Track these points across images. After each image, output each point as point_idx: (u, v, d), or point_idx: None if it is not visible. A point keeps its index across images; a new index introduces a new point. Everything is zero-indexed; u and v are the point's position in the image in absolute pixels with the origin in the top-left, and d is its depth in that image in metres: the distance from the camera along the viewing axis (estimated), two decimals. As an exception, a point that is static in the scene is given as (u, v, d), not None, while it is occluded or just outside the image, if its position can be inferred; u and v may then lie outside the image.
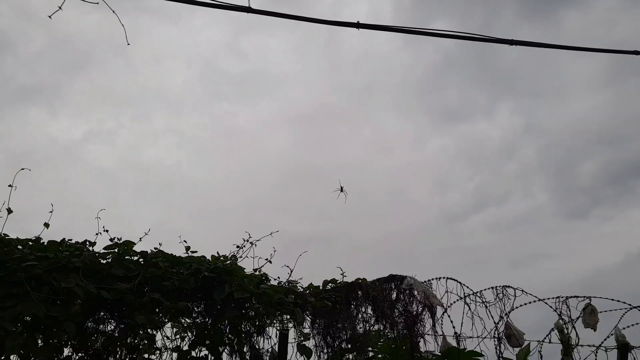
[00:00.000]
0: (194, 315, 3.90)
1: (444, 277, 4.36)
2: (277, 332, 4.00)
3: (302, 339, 4.03)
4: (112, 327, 3.66)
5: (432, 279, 4.39)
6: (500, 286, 4.35)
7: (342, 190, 4.71)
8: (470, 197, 13.62)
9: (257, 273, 4.19)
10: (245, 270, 4.06)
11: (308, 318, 4.19)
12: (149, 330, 3.66)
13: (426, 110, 13.98)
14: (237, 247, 4.18)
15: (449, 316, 4.26)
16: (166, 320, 3.78)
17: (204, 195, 12.33)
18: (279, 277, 4.21)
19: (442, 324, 4.29)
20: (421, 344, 4.12)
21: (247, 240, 4.18)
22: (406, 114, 13.97)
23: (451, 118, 13.96)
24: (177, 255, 3.87)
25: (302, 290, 4.25)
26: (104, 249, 3.68)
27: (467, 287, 4.31)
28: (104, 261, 3.65)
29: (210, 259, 4.06)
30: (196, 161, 12.99)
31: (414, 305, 4.19)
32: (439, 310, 4.26)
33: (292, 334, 4.06)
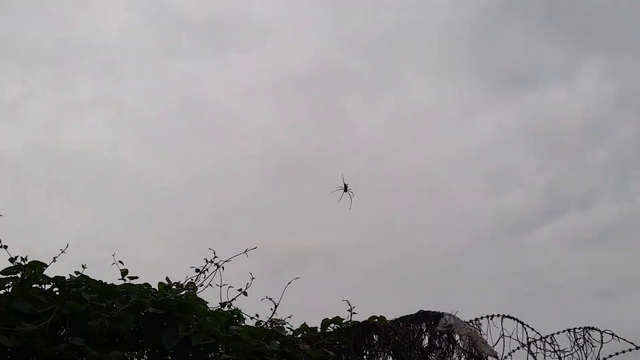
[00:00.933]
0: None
1: (498, 315, 4.35)
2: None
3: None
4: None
5: (482, 318, 4.38)
6: (580, 328, 4.33)
7: (346, 189, 4.68)
8: (539, 199, 13.62)
9: (226, 309, 4.19)
10: (208, 304, 4.04)
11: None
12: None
13: (476, 72, 13.99)
14: (197, 271, 4.18)
15: (505, 371, 4.24)
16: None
17: (153, 197, 12.37)
18: (257, 315, 4.20)
19: (495, 383, 4.28)
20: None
21: (212, 262, 4.17)
22: (446, 78, 13.97)
23: (512, 84, 13.97)
24: (109, 283, 3.83)
25: (291, 333, 4.23)
26: (1, 273, 3.62)
27: (533, 329, 4.30)
28: (1, 291, 3.59)
29: (157, 288, 4.05)
30: (140, 147, 13.03)
31: (454, 356, 4.18)
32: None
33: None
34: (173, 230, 11.51)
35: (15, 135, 11.95)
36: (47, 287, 3.72)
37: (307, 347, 4.00)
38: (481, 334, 4.29)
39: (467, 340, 4.13)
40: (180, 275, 4.29)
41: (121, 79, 13.20)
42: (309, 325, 4.34)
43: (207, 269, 4.18)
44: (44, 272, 3.71)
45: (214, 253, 4.17)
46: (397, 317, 4.44)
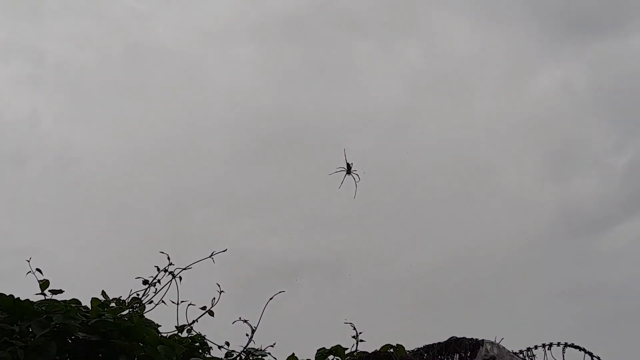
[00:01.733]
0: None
1: (559, 344, 4.36)
2: None
3: None
4: None
5: (536, 347, 4.39)
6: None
7: (349, 171, 4.63)
8: (617, 186, 13.58)
9: (184, 334, 4.19)
10: (160, 328, 4.06)
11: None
12: None
13: (533, 14, 13.91)
14: (146, 283, 4.18)
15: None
16: None
17: (85, 182, 12.35)
18: (227, 344, 4.20)
19: None
20: None
21: (165, 270, 4.18)
22: (493, 21, 13.89)
23: (582, 29, 13.88)
24: (24, 299, 3.85)
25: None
26: None
27: (605, 362, 4.31)
28: None
29: (90, 306, 4.06)
30: (69, 112, 13.00)
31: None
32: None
33: None
34: (112, 228, 11.52)
35: None
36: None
37: (295, 386, 4.02)
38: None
39: (515, 378, 4.15)
40: (122, 288, 4.30)
41: (43, 19, 13.16)
42: (300, 358, 4.33)
43: (158, 281, 4.17)
44: None
45: (168, 259, 4.16)
46: (421, 346, 4.46)
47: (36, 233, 10.86)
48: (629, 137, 13.78)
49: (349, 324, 4.43)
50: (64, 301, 3.93)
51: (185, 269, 4.12)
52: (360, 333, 4.43)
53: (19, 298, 3.83)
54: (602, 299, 11.75)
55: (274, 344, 4.25)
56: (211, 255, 4.11)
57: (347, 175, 4.83)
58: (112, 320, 3.81)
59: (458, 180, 13.16)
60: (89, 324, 3.78)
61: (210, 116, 12.72)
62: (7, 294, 3.81)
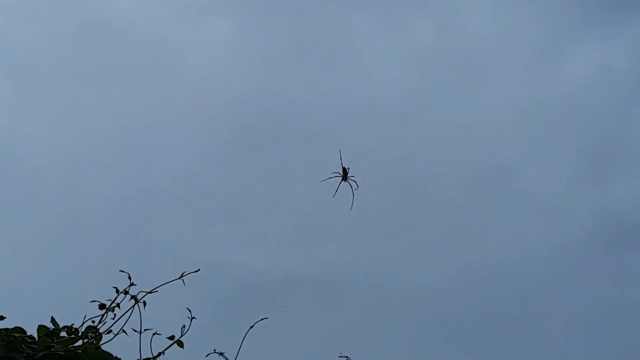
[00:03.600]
0: None
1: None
2: None
3: None
4: None
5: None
6: None
7: (345, 177, 4.66)
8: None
9: (148, 370, 4.23)
10: (120, 361, 4.11)
11: None
12: None
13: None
14: (103, 307, 4.20)
15: None
16: None
17: (27, 180, 12.37)
18: (200, 380, 4.24)
19: None
20: None
21: (126, 292, 4.20)
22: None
23: (623, 4, 13.98)
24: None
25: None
26: None
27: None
28: None
29: (37, 335, 4.09)
30: (13, 100, 13.03)
31: None
32: None
33: None
34: (61, 238, 11.54)
35: None
36: None
37: None
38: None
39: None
40: (75, 314, 4.32)
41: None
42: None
43: (118, 305, 4.19)
44: None
45: (129, 278, 4.19)
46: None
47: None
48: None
49: (345, 358, 4.47)
50: (6, 329, 3.95)
51: (150, 292, 4.14)
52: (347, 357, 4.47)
53: (-51, 325, 3.86)
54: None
55: (257, 379, 4.29)
56: (181, 276, 4.12)
57: (342, 182, 4.87)
58: (62, 353, 3.82)
59: (475, 182, 13.22)
60: (36, 358, 3.81)
61: (181, 105, 12.75)
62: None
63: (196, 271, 4.08)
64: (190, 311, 4.15)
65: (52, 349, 3.78)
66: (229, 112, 12.47)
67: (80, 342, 4.00)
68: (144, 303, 4.12)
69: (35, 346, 3.87)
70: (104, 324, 4.21)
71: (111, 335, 4.16)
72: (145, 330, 4.22)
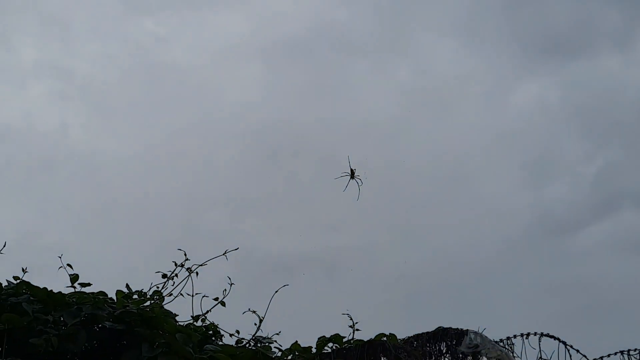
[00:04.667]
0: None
1: (535, 334, 4.36)
2: None
3: None
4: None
5: (515, 337, 4.38)
6: (636, 350, 4.34)
7: (352, 176, 4.65)
8: (587, 193, 13.64)
9: (199, 323, 4.22)
10: (177, 317, 4.10)
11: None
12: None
13: (511, 37, 13.95)
14: (165, 277, 4.20)
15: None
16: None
17: (109, 186, 12.36)
18: (238, 332, 4.24)
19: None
20: None
21: (182, 265, 4.19)
22: (474, 43, 13.94)
23: (556, 50, 13.94)
24: (56, 292, 3.87)
25: (279, 354, 4.27)
26: None
27: (578, 350, 4.30)
28: None
29: (115, 297, 4.08)
30: (94, 124, 13.02)
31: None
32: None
33: None
34: (132, 227, 11.51)
35: None
36: (-20, 296, 3.77)
37: (298, 370, 4.02)
38: (514, 357, 4.31)
39: (496, 364, 4.14)
40: (143, 282, 4.31)
41: (72, 40, 13.17)
42: (302, 345, 4.36)
43: (176, 275, 4.19)
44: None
45: (185, 255, 4.18)
46: (411, 335, 4.45)
47: (64, 232, 10.86)
48: (597, 149, 13.83)
49: (347, 315, 4.43)
50: (92, 294, 3.95)
51: (201, 265, 4.14)
52: (356, 323, 4.43)
53: (52, 290, 3.86)
54: (575, 293, 11.76)
55: (280, 332, 4.27)
56: (224, 253, 4.13)
57: (350, 180, 4.84)
58: (135, 310, 3.85)
59: (445, 187, 13.18)
60: (115, 314, 3.85)
61: (221, 128, 12.74)
62: (41, 287, 3.83)
63: (236, 249, 4.05)
64: (229, 278, 4.12)
65: (127, 308, 3.78)
66: (258, 133, 12.48)
67: (147, 303, 3.96)
68: (197, 273, 4.07)
69: (115, 306, 3.85)
70: (165, 289, 4.19)
71: (171, 297, 4.13)
72: (196, 294, 4.22)
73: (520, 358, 4.31)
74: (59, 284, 3.98)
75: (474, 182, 13.66)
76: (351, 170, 4.83)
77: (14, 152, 12.10)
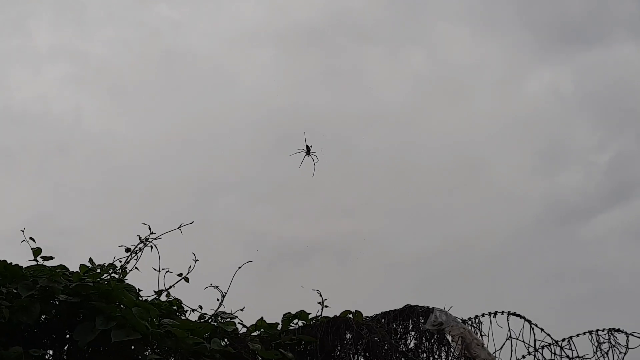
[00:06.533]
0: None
1: (503, 312, 4.32)
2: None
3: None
4: None
5: (483, 315, 4.35)
6: (604, 330, 4.29)
7: (308, 152, 4.59)
8: (599, 181, 13.40)
9: (163, 298, 4.18)
10: (141, 292, 4.07)
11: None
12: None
13: (525, 25, 13.73)
14: (127, 250, 4.16)
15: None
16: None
17: (123, 170, 12.38)
18: (200, 307, 4.20)
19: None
20: None
21: (146, 239, 4.16)
22: (488, 31, 13.75)
23: (570, 37, 13.70)
24: (14, 264, 3.84)
25: (243, 330, 4.23)
26: None
27: (542, 329, 4.27)
28: None
29: (78, 270, 4.05)
30: (109, 109, 13.04)
31: (447, 360, 4.15)
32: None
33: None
34: (144, 211, 11.51)
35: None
36: None
37: (258, 346, 3.96)
38: (480, 335, 4.24)
39: (459, 342, 4.08)
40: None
41: (87, 26, 13.21)
42: (268, 321, 4.31)
43: (140, 249, 4.15)
44: None
45: (149, 228, 4.15)
46: (378, 312, 4.41)
47: (78, 215, 10.92)
48: (611, 137, 13.61)
49: (316, 291, 4.38)
50: (50, 267, 3.92)
51: (156, 238, 4.11)
52: (325, 299, 4.38)
53: (10, 263, 3.82)
54: (585, 280, 11.59)
55: (243, 308, 4.22)
56: (179, 226, 4.09)
57: (305, 156, 4.79)
58: (91, 284, 3.79)
59: (456, 174, 13.03)
60: (71, 287, 3.77)
61: (234, 113, 12.69)
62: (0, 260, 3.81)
63: (190, 223, 4.01)
64: (194, 255, 4.08)
65: (83, 281, 3.72)
66: (271, 120, 12.41)
67: (106, 277, 3.92)
68: (152, 246, 4.06)
69: (72, 279, 3.81)
70: (128, 263, 4.13)
71: (130, 271, 4.09)
72: (164, 269, 4.16)
73: (488, 336, 4.27)
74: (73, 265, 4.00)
75: (487, 169, 13.51)
76: (307, 147, 4.78)
77: (29, 136, 12.17)
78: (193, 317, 4.21)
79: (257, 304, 4.56)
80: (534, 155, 13.63)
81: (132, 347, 3.78)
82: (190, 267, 4.16)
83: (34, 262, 3.97)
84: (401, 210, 12.45)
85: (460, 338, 4.06)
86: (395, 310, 4.36)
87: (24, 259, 3.90)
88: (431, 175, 12.98)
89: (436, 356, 4.14)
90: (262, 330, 4.30)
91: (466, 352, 4.04)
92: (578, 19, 13.48)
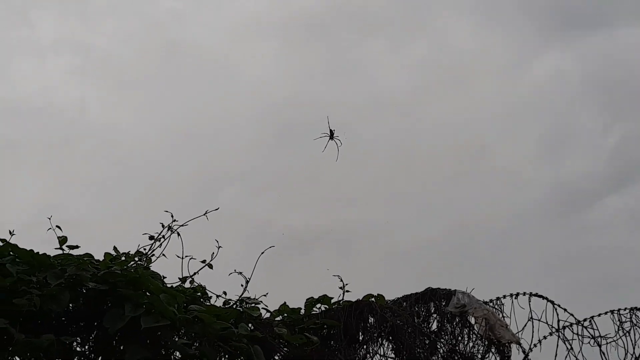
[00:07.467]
0: (74, 358, 3.91)
1: (524, 294, 4.33)
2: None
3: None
4: None
5: (505, 297, 4.36)
6: (626, 309, 4.30)
7: (332, 136, 4.60)
8: (604, 165, 13.43)
9: (187, 285, 4.20)
10: (165, 279, 4.09)
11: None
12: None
13: (527, 13, 13.72)
14: (151, 238, 4.17)
15: (533, 363, 4.22)
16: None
17: (129, 159, 12.38)
18: (225, 293, 4.22)
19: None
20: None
21: (169, 227, 4.16)
22: (491, 19, 13.74)
23: (575, 21, 13.71)
24: (42, 254, 3.87)
25: (267, 315, 4.26)
26: None
27: (565, 310, 4.28)
28: None
29: (103, 258, 4.07)
30: (113, 100, 13.03)
31: (469, 342, 4.15)
32: (515, 352, 4.19)
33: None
34: (149, 201, 11.52)
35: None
36: (-36, 258, 3.74)
37: (284, 331, 3.99)
38: (503, 317, 4.26)
39: (483, 324, 4.10)
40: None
41: (91, 17, 13.18)
42: (290, 306, 4.33)
43: (163, 236, 4.16)
44: (-38, 239, 3.75)
45: (172, 216, 4.16)
46: (400, 296, 4.43)
47: (84, 206, 10.94)
48: (615, 121, 13.61)
49: (337, 277, 4.40)
50: (78, 255, 3.95)
51: (182, 225, 4.12)
52: (346, 284, 4.41)
53: (38, 252, 3.85)
54: (590, 265, 11.61)
55: (267, 293, 4.24)
56: (205, 213, 4.10)
57: (330, 141, 4.79)
58: (119, 271, 3.82)
59: (460, 159, 13.04)
60: (99, 275, 3.80)
61: (237, 105, 12.69)
62: (27, 249, 3.84)
63: (216, 209, 4.02)
64: (217, 241, 4.09)
65: (111, 269, 3.75)
66: (273, 110, 12.41)
67: (133, 265, 3.94)
68: (179, 234, 4.06)
69: (99, 267, 3.84)
70: (153, 251, 4.16)
71: (159, 258, 4.12)
72: (186, 256, 4.18)
73: (510, 318, 4.29)
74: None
75: (490, 155, 13.51)
76: (330, 130, 4.78)
77: (34, 128, 12.16)
78: (217, 303, 4.24)
79: (264, 291, 4.57)
80: (539, 140, 13.65)
81: (159, 333, 3.81)
82: (213, 253, 4.18)
83: (60, 251, 4.02)
84: (406, 197, 12.46)
85: (483, 320, 4.09)
86: (416, 293, 4.37)
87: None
88: (436, 162, 13.00)
89: (459, 338, 4.17)
90: (285, 315, 4.33)
91: (490, 333, 4.07)
92: (582, 4, 13.49)
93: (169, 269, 4.20)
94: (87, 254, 3.99)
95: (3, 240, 3.85)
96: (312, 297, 4.36)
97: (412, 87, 13.73)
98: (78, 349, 3.92)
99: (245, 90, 12.98)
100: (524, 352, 4.20)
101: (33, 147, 12.00)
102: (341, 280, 4.39)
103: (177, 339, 3.81)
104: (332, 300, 4.36)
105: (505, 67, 14.22)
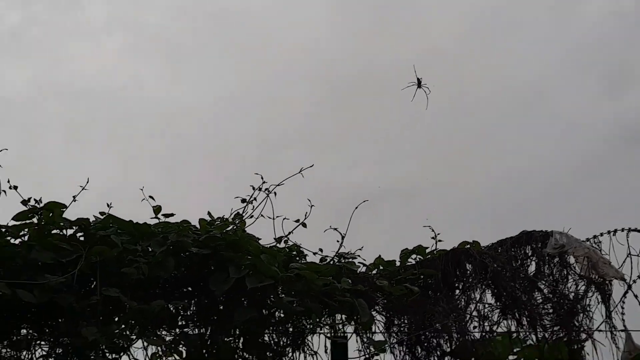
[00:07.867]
0: (180, 323, 3.99)
1: (622, 230, 4.25)
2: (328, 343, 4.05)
3: (372, 351, 4.04)
4: (42, 352, 3.78)
5: (602, 235, 4.29)
6: None
7: (419, 85, 4.53)
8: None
9: (282, 245, 4.23)
10: (260, 241, 4.11)
11: (379, 316, 4.20)
12: (106, 353, 3.77)
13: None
14: (244, 201, 4.18)
15: (636, 296, 4.15)
16: (133, 335, 3.87)
17: (186, 131, 12.46)
18: (321, 250, 4.23)
19: (623, 314, 4.21)
20: (587, 349, 4.06)
21: (260, 188, 4.15)
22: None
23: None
24: (142, 223, 3.93)
25: (364, 269, 4.28)
26: (14, 219, 3.71)
27: (668, 242, 4.18)
28: (17, 240, 3.69)
29: (199, 225, 4.11)
30: (168, 75, 13.11)
31: (569, 282, 4.12)
32: (617, 288, 4.17)
33: (353, 343, 4.09)
34: (211, 169, 11.61)
35: (18, 73, 12.11)
36: (70, 232, 3.81)
37: (385, 283, 4.01)
38: (602, 254, 4.20)
39: (584, 263, 4.05)
40: (226, 212, 4.32)
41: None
42: (385, 259, 4.34)
43: (255, 199, 4.16)
44: (64, 215, 3.80)
45: (262, 178, 4.15)
46: (495, 241, 4.40)
47: (148, 177, 11.08)
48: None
49: (428, 227, 4.39)
50: (177, 223, 4.00)
51: (278, 185, 4.12)
52: (438, 234, 4.40)
53: (138, 222, 3.91)
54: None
55: (362, 247, 4.25)
56: (300, 171, 4.11)
57: (417, 89, 4.73)
58: (219, 235, 3.87)
59: (517, 105, 12.84)
60: (200, 240, 3.86)
61: (290, 68, 12.66)
62: (127, 219, 3.91)
63: (311, 166, 4.03)
64: (310, 200, 4.11)
65: (211, 233, 3.79)
66: (326, 71, 12.34)
67: (231, 228, 3.97)
68: (275, 194, 4.07)
69: (199, 232, 3.89)
70: (246, 214, 4.18)
71: (252, 220, 4.13)
72: (278, 216, 4.19)
73: (609, 255, 4.22)
74: (143, 217, 4.04)
75: (550, 100, 13.28)
76: (417, 79, 4.72)
77: (96, 108, 12.28)
78: (313, 259, 4.26)
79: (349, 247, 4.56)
80: (598, 79, 13.35)
81: (259, 294, 3.86)
82: (306, 213, 4.19)
83: (156, 220, 4.07)
84: (462, 150, 12.31)
85: (585, 258, 4.03)
86: (511, 237, 4.33)
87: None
88: (491, 111, 12.83)
89: (559, 279, 4.13)
90: (380, 267, 4.34)
91: (593, 271, 4.02)
92: None
93: (257, 231, 4.23)
94: (184, 220, 4.04)
95: (103, 213, 3.92)
96: (406, 249, 4.35)
97: (463, 34, 13.49)
98: (182, 312, 4.00)
99: (299, 53, 12.95)
100: (629, 286, 4.14)
101: (98, 126, 12.15)
102: (432, 230, 4.38)
103: (281, 298, 3.86)
104: (428, 250, 4.36)
105: (557, 7, 13.90)
